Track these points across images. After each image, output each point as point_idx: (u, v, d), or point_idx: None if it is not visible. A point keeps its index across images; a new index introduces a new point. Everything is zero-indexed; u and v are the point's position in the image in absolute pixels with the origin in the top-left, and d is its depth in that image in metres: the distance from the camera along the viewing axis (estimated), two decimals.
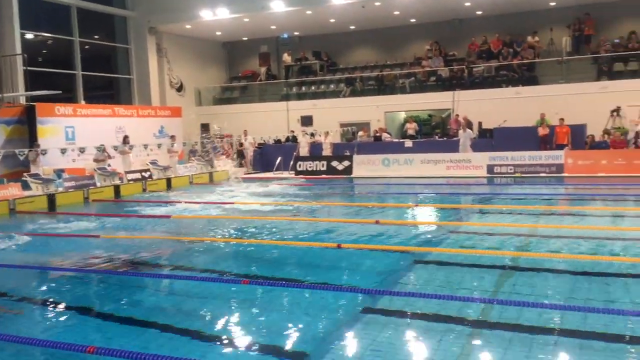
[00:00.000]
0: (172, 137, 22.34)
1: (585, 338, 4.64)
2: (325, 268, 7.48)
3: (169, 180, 19.40)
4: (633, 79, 21.34)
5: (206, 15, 24.10)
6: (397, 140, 23.07)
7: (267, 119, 26.22)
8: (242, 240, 9.33)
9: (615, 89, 20.75)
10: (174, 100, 27.07)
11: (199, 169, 21.54)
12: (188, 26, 26.07)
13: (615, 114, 19.83)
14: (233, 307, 5.98)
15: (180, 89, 27.85)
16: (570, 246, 7.94)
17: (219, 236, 9.85)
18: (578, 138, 19.31)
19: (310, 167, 21.53)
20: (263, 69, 29.40)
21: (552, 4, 23.69)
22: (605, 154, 18.07)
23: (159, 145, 21.68)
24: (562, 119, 19.37)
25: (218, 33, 28.07)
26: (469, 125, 20.89)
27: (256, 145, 24.35)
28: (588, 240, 8.20)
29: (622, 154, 17.87)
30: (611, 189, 15.08)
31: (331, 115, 25.42)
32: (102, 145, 18.38)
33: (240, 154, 24.67)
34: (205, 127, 27.29)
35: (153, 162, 20.03)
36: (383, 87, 26.04)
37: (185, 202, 14.57)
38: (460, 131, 20.39)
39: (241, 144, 24.68)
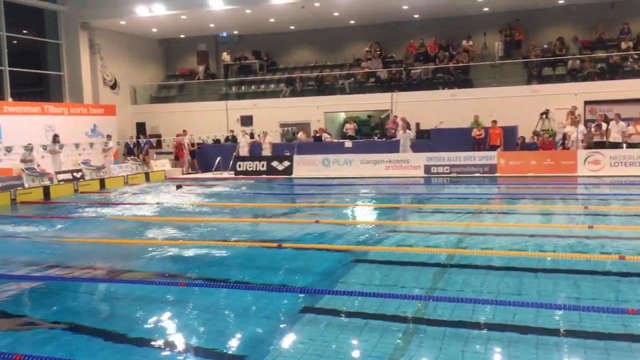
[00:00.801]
0: (108, 136, 21.63)
1: (516, 332, 4.78)
2: (266, 268, 7.41)
3: (102, 180, 18.74)
4: (560, 83, 22.40)
5: (142, 11, 23.45)
6: (337, 140, 23.22)
7: (206, 119, 25.82)
8: (180, 241, 9.11)
9: (545, 92, 21.70)
10: (107, 98, 26.19)
11: (134, 169, 20.93)
12: (122, 22, 25.29)
13: (544, 116, 20.71)
14: (169, 310, 5.81)
15: (114, 86, 26.98)
16: (502, 243, 8.20)
17: (156, 238, 9.58)
18: (510, 139, 20.03)
19: (250, 167, 21.35)
20: (201, 68, 28.92)
21: (485, 9, 24.50)
22: (535, 155, 18.83)
23: (92, 145, 20.92)
24: (494, 121, 20.04)
25: (154, 30, 27.38)
26: (407, 126, 21.28)
27: (193, 145, 23.75)
28: (519, 237, 8.50)
29: (550, 155, 18.66)
30: (540, 188, 15.73)
31: (271, 115, 25.32)
32: (30, 144, 17.53)
33: (177, 154, 24.16)
34: (140, 126, 26.58)
35: (85, 162, 19.32)
36: (323, 87, 26.16)
37: (120, 203, 14.11)
38: (400, 132, 20.74)
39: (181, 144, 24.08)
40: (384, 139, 22.52)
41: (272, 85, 27.61)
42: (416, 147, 20.49)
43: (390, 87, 24.48)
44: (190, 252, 8.36)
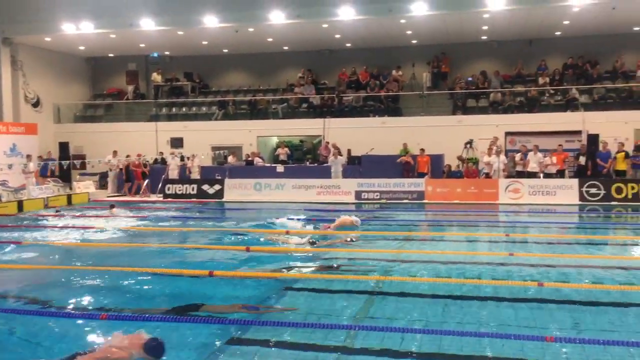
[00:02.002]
0: (28, 156, 20.61)
1: None
2: (196, 297, 7.20)
3: (20, 202, 17.77)
4: (483, 114, 23.47)
5: (68, 29, 22.72)
6: (269, 165, 23.20)
7: (134, 140, 25.10)
8: (104, 268, 8.74)
9: (469, 123, 22.67)
10: (29, 117, 25.02)
11: (55, 191, 20.01)
12: (48, 39, 24.39)
13: (468, 145, 21.59)
14: (89, 346, 5.52)
15: (36, 104, 25.83)
16: (429, 270, 8.40)
17: (78, 264, 9.15)
18: (437, 167, 20.72)
19: (180, 190, 20.92)
20: (130, 88, 28.26)
21: (414, 42, 25.41)
22: (460, 183, 19.56)
23: (10, 166, 19.84)
24: (422, 149, 20.69)
25: (81, 48, 26.55)
26: (339, 152, 21.58)
27: (145, 166, 22.88)
28: (445, 264, 8.73)
29: (474, 183, 19.44)
30: (465, 215, 16.27)
31: (203, 137, 24.98)
32: None
33: (104, 175, 23.35)
34: (64, 146, 25.50)
35: (2, 183, 18.30)
36: (256, 111, 26.17)
37: (40, 227, 13.41)
38: (332, 157, 20.97)
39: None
40: (316, 164, 22.71)
41: (204, 108, 27.33)
42: (347, 173, 20.78)
43: (323, 113, 24.81)
44: (113, 281, 8.03)
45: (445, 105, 24.77)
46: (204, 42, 25.57)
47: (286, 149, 23.95)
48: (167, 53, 28.25)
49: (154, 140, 25.44)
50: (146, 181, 22.16)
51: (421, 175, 20.23)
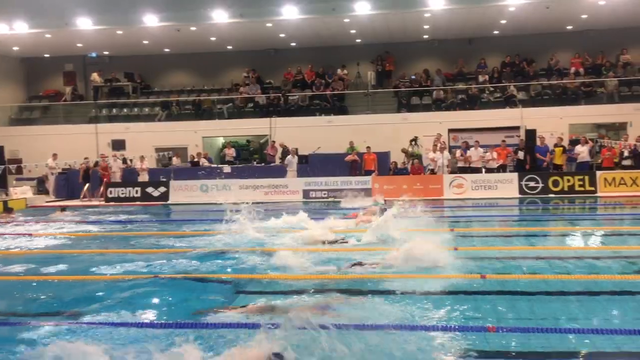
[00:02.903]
0: None
1: None
2: (139, 302, 7.02)
3: None
4: (427, 111, 23.94)
5: (1, 28, 21.79)
6: (215, 165, 22.90)
7: (74, 143, 24.27)
8: (41, 277, 8.39)
9: (413, 120, 23.08)
10: None
11: None
12: None
13: (413, 142, 21.96)
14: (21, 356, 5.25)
15: None
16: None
17: (12, 274, 8.75)
18: (383, 164, 20.98)
19: (123, 193, 20.37)
20: (68, 89, 27.33)
21: (358, 40, 25.65)
22: (406, 179, 19.86)
23: None
24: (369, 147, 20.90)
25: (15, 48, 25.46)
26: (296, 151, 21.63)
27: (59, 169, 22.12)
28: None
29: (419, 179, 19.80)
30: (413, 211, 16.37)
31: (146, 139, 24.43)
32: None
33: (42, 180, 22.47)
34: None
35: None
36: (201, 111, 25.79)
37: None
38: (289, 156, 20.87)
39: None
40: (263, 164, 22.59)
41: (146, 109, 26.72)
42: (285, 172, 20.78)
43: (269, 112, 24.71)
44: (51, 288, 7.72)
45: (390, 103, 25.12)
46: (145, 42, 25.00)
47: (232, 149, 23.72)
48: (106, 53, 27.46)
49: (94, 143, 24.69)
50: (87, 185, 21.43)
51: (368, 172, 20.44)
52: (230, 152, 23.38)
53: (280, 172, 20.94)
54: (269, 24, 22.72)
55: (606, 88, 23.27)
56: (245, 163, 23.75)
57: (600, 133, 22.58)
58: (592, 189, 18.35)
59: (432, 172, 20.49)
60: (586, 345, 5.06)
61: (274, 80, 27.21)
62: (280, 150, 22.52)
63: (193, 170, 21.77)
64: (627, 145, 19.91)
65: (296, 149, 21.34)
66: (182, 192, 20.19)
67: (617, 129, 22.77)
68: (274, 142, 22.87)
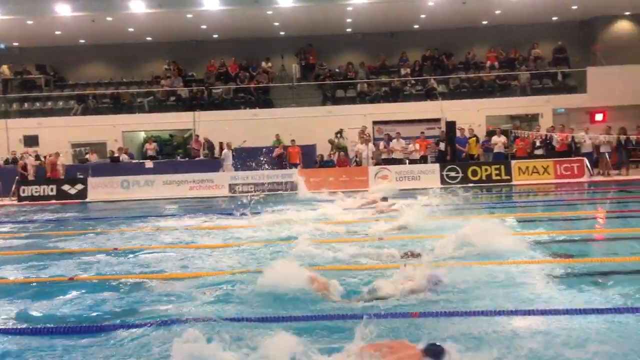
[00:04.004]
0: None
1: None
2: (56, 305, 6.64)
3: None
4: (352, 104, 24.21)
5: None
6: (136, 161, 22.15)
7: None
8: None
9: (338, 113, 23.27)
10: None
11: None
12: None
13: (338, 135, 22.15)
14: None
15: None
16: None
17: None
18: (309, 157, 21.03)
19: (36, 192, 19.32)
20: None
21: (282, 33, 25.54)
22: (332, 172, 20.02)
23: None
24: (293, 140, 20.89)
25: None
26: (210, 145, 21.20)
27: None
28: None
29: (345, 172, 20.00)
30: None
31: (61, 134, 23.25)
32: None
33: None
34: None
35: None
36: (120, 105, 24.87)
37: None
38: (225, 150, 20.44)
39: None
40: (187, 159, 22.08)
41: (60, 103, 25.43)
42: (219, 166, 20.44)
43: (192, 106, 24.15)
44: None
45: (315, 96, 25.21)
46: (58, 32, 23.76)
47: (154, 144, 23.01)
48: (15, 44, 25.89)
49: (4, 139, 23.22)
50: None
51: (294, 166, 20.43)
52: (152, 147, 22.67)
53: (205, 166, 20.55)
54: (190, 15, 22.17)
55: (519, 81, 24.41)
56: (169, 158, 23.10)
57: (515, 124, 23.68)
58: (508, 177, 19.23)
59: (358, 164, 20.76)
60: None
61: (197, 72, 26.62)
62: (205, 144, 22.09)
63: (113, 166, 20.95)
64: (538, 135, 21.00)
65: (228, 144, 20.94)
66: (101, 189, 19.40)
67: (530, 120, 23.96)
68: (197, 136, 22.39)
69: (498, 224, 8.68)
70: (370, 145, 20.87)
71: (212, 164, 20.99)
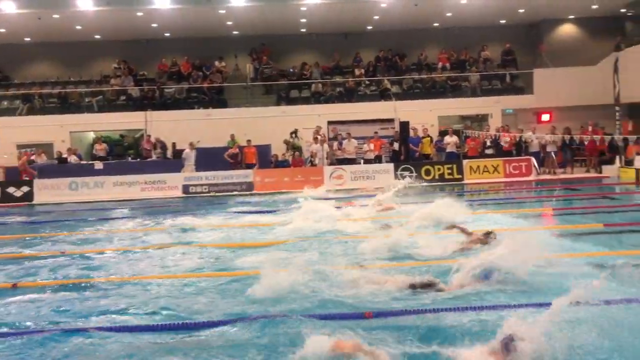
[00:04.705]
0: None
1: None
2: None
3: None
4: (306, 104, 24.22)
5: None
6: (85, 162, 21.53)
7: None
8: None
9: (293, 113, 23.23)
10: None
11: None
12: None
13: (293, 135, 22.12)
14: None
15: None
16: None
17: None
18: (264, 158, 20.92)
19: None
20: None
21: (235, 32, 25.32)
22: (287, 172, 19.98)
23: None
24: (249, 140, 20.74)
25: None
26: (162, 146, 20.79)
27: None
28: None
29: (301, 172, 19.99)
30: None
31: (5, 135, 22.36)
32: None
33: None
34: None
35: None
36: (67, 105, 24.15)
37: None
38: (187, 150, 20.04)
39: None
40: (138, 160, 21.61)
41: (5, 102, 24.50)
42: (173, 167, 20.09)
43: (143, 105, 23.66)
44: None
45: (269, 96, 25.08)
46: (2, 30, 22.90)
47: (105, 144, 22.42)
48: None
49: None
50: None
51: (249, 166, 20.29)
52: (102, 148, 22.07)
53: (158, 167, 20.17)
54: (140, 13, 21.71)
55: (470, 82, 24.95)
56: (119, 159, 22.55)
57: (466, 124, 24.19)
58: (460, 176, 19.62)
59: (313, 164, 20.78)
60: None
61: (148, 72, 26.09)
62: (158, 145, 21.68)
63: (61, 168, 20.31)
64: (488, 135, 21.52)
65: (196, 142, 20.50)
66: (48, 191, 18.79)
67: (480, 121, 24.53)
68: (149, 136, 21.94)
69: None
70: (325, 145, 20.92)
71: (165, 164, 20.62)
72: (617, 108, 21.19)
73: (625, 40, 23.64)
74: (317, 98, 24.54)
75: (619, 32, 24.46)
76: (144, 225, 12.45)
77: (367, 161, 20.94)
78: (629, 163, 19.35)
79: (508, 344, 4.07)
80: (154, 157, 21.37)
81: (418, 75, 25.49)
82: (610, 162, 20.21)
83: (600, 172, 20.17)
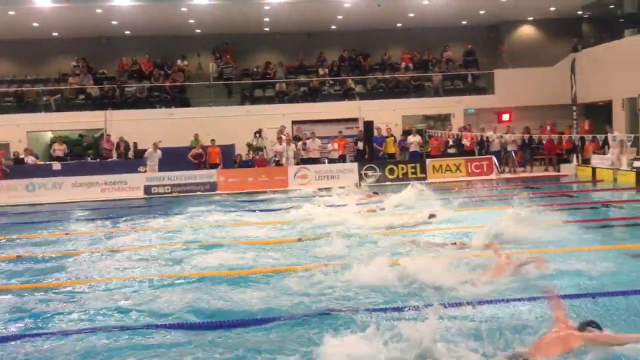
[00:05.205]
0: None
1: None
2: None
3: None
4: (270, 104, 24.10)
5: None
6: (43, 162, 20.93)
7: None
8: None
9: (257, 112, 23.07)
10: None
11: None
12: None
13: (257, 135, 21.97)
14: None
15: None
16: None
17: None
18: (228, 157, 20.72)
19: None
20: None
21: (198, 31, 25.00)
22: (252, 172, 19.85)
23: None
24: (213, 140, 20.52)
25: None
26: (125, 146, 20.39)
27: None
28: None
29: (265, 171, 19.89)
30: (260, 202, 16.25)
31: None
32: None
33: None
34: None
35: None
36: (24, 104, 23.46)
37: None
38: (150, 149, 19.63)
39: None
40: (98, 160, 21.15)
41: None
42: (134, 167, 19.72)
43: (104, 105, 23.13)
44: None
45: (233, 96, 24.86)
46: None
47: (63, 144, 21.84)
48: None
49: None
50: None
51: (213, 166, 20.07)
52: (61, 148, 21.49)
53: (118, 167, 19.76)
54: (99, 10, 21.23)
55: (432, 82, 25.24)
56: (79, 159, 21.98)
57: (429, 124, 24.46)
58: (423, 175, 19.82)
59: (278, 163, 20.69)
60: None
61: (108, 70, 25.53)
62: (122, 144, 21.26)
63: (17, 169, 19.69)
64: (451, 135, 21.82)
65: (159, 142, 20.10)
66: (3, 192, 18.22)
67: (443, 120, 24.84)
68: (109, 136, 21.48)
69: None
70: (292, 145, 20.84)
71: (126, 164, 20.21)
72: (574, 108, 21.77)
73: (582, 41, 24.31)
74: (281, 98, 24.44)
75: (576, 33, 25.11)
76: (106, 227, 12.16)
77: (332, 161, 20.97)
78: (585, 162, 19.91)
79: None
80: (114, 157, 20.93)
81: (382, 75, 25.64)
82: (568, 160, 20.76)
83: (559, 171, 20.69)
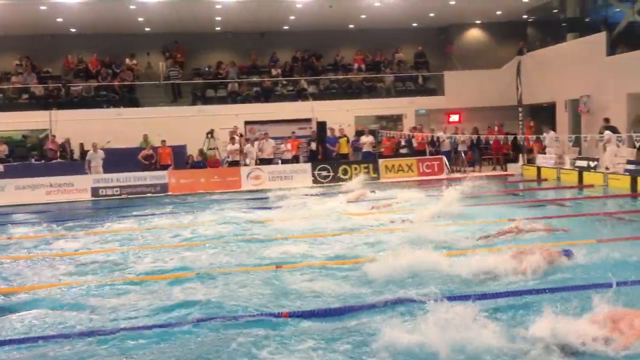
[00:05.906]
0: None
1: None
2: None
3: None
4: (223, 104, 23.85)
5: None
6: None
7: None
8: None
9: (209, 113, 22.78)
10: None
11: None
12: None
13: (209, 135, 21.71)
14: None
15: None
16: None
17: None
18: (179, 158, 20.38)
19: None
20: None
21: (147, 29, 24.51)
22: (204, 173, 19.60)
23: None
24: (164, 141, 20.16)
25: None
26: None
27: None
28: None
29: (217, 172, 19.67)
30: (212, 204, 16.04)
31: None
32: None
33: None
34: None
35: None
36: None
37: None
38: (91, 151, 19.03)
39: None
40: (43, 161, 20.43)
41: None
42: (81, 169, 19.16)
43: (48, 104, 22.37)
44: None
45: (184, 96, 24.48)
46: None
47: (5, 145, 20.99)
48: None
49: None
50: None
51: (164, 167, 19.71)
52: (2, 149, 20.65)
53: (64, 169, 19.16)
54: (43, 7, 20.50)
55: (384, 83, 25.54)
56: (22, 161, 21.16)
57: (381, 124, 24.73)
58: (376, 175, 20.03)
59: (230, 164, 20.50)
60: None
61: (53, 69, 24.71)
62: (67, 145, 20.60)
63: None
64: (403, 135, 22.13)
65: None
66: None
67: (395, 121, 25.17)
68: (54, 136, 20.80)
69: None
70: (255, 146, 20.65)
71: (73, 166, 19.60)
72: (520, 109, 22.45)
73: (527, 44, 25.09)
74: (234, 98, 24.22)
75: (522, 37, 25.89)
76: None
77: (285, 161, 20.93)
78: (530, 161, 20.56)
79: None
80: (59, 159, 20.28)
81: (334, 75, 25.76)
82: (514, 160, 21.39)
83: (506, 170, 21.29)
